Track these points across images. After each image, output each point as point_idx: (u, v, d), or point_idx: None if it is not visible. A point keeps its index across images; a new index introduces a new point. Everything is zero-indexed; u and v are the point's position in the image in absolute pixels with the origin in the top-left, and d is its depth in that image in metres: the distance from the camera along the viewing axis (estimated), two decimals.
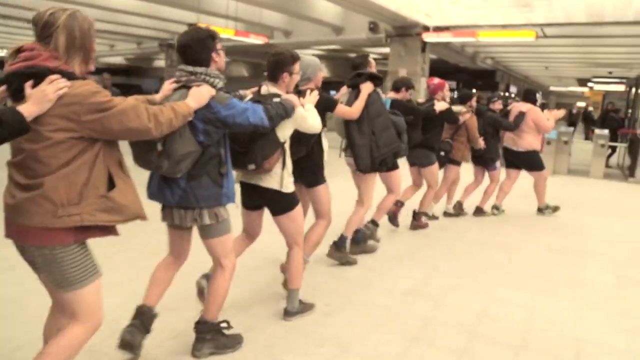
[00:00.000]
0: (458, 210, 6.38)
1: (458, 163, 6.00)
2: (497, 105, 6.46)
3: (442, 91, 5.51)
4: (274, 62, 2.98)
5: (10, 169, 1.88)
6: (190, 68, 2.41)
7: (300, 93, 3.18)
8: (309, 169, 3.51)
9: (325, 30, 15.23)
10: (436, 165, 5.50)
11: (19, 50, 1.84)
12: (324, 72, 3.67)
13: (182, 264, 2.83)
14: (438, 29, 12.61)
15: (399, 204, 5.37)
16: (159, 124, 2.01)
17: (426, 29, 12.69)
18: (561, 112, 6.61)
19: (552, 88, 36.18)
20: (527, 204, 6.85)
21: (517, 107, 6.42)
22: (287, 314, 3.27)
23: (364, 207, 4.41)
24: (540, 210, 6.66)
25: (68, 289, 1.92)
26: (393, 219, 5.39)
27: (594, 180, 6.97)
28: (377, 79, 4.00)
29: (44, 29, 1.83)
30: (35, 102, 1.72)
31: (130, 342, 2.49)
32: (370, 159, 3.96)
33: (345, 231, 4.38)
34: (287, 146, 2.99)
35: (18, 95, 1.79)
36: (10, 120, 1.65)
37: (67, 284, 1.91)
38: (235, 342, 2.86)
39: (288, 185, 3.00)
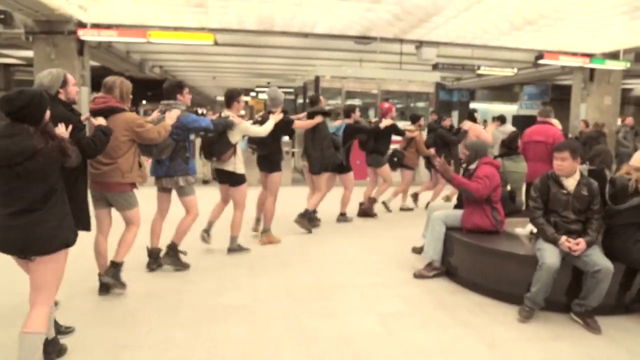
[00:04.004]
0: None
1: (411, 168, 7.57)
2: (447, 123, 7.91)
3: (391, 113, 7.34)
4: (229, 96, 5.10)
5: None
6: (165, 102, 4.47)
7: (270, 113, 5.58)
8: (269, 162, 5.66)
9: None
10: (387, 166, 7.16)
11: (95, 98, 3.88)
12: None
13: (165, 218, 4.65)
14: (97, 26, 10.33)
15: (372, 200, 7.28)
16: (160, 135, 4.00)
17: (82, 25, 10.25)
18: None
19: (218, 98, 37.38)
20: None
21: (464, 125, 7.72)
22: (229, 251, 5.22)
23: (321, 193, 6.28)
24: None
25: (127, 210, 3.91)
26: (369, 211, 7.27)
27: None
28: (326, 114, 6.26)
29: (110, 88, 3.82)
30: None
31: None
32: (319, 166, 6.07)
33: (309, 206, 6.33)
34: (238, 146, 5.02)
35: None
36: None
37: (127, 208, 3.90)
38: (184, 266, 4.66)
39: (239, 169, 5.03)
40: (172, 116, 4.20)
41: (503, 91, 23.27)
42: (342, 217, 6.88)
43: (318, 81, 11.04)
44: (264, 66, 18.68)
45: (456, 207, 5.06)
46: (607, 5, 9.68)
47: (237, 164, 4.97)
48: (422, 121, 7.78)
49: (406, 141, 7.53)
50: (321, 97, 6.48)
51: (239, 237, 5.26)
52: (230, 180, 5.04)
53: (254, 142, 5.54)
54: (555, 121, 5.97)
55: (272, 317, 3.69)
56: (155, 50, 15.30)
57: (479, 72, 14.71)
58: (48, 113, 2.59)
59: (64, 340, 3.06)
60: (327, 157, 6.00)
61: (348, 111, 6.85)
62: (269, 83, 25.19)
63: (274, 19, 10.54)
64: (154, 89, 21.77)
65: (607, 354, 3.30)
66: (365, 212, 7.23)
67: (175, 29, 10.70)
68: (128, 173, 3.78)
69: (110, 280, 3.88)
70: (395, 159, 7.25)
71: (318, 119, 5.99)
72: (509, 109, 18.21)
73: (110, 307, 3.78)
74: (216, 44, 11.86)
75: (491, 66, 14.90)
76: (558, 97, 19.60)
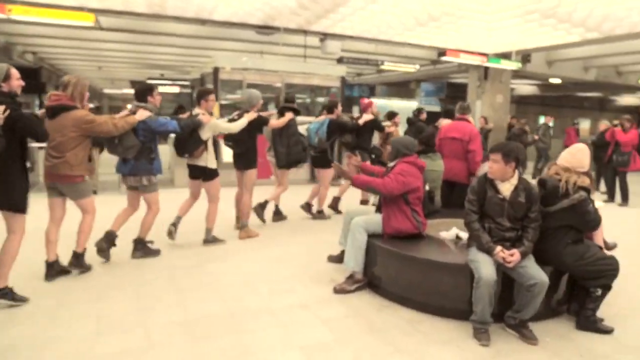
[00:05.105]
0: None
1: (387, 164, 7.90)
2: (423, 116, 8.94)
3: (371, 108, 7.31)
4: (198, 95, 5.34)
5: (48, 149, 4.07)
6: (136, 103, 4.76)
7: (242, 113, 5.73)
8: (245, 160, 5.85)
9: None
10: (367, 163, 6.41)
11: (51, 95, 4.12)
12: (262, 101, 6.00)
13: (135, 212, 4.91)
14: None
15: (337, 199, 7.41)
16: (117, 128, 4.31)
17: None
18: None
19: (105, 90, 34.31)
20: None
21: (439, 122, 7.40)
22: (205, 242, 5.47)
23: (282, 187, 6.67)
24: None
25: (79, 199, 4.24)
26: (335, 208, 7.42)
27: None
28: (297, 111, 6.49)
29: (65, 86, 4.08)
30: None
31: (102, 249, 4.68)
32: (285, 161, 6.34)
33: (272, 200, 6.70)
34: (209, 143, 5.27)
35: (54, 116, 4.04)
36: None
37: (79, 197, 4.23)
38: (156, 253, 4.97)
39: (211, 164, 5.29)
40: (142, 114, 4.60)
41: (401, 87, 23.78)
42: (319, 215, 7.05)
43: (217, 73, 10.16)
44: (157, 56, 17.15)
45: (377, 210, 4.61)
46: (504, 7, 9.88)
47: (209, 159, 5.27)
48: (397, 118, 8.12)
49: (382, 138, 7.58)
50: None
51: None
52: (203, 175, 5.32)
53: (231, 140, 5.82)
54: (472, 118, 5.78)
55: None
56: (26, 33, 13.24)
57: (382, 67, 14.64)
58: None
59: None
60: (294, 153, 6.29)
61: (331, 107, 7.04)
62: (162, 75, 23.46)
63: (167, 1, 9.43)
64: (26, 78, 19.15)
65: None
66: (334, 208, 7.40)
67: (47, 6, 9.15)
68: (77, 166, 4.11)
69: (74, 268, 4.39)
70: (374, 156, 7.30)
71: (289, 115, 6.24)
72: (408, 105, 18.48)
73: None
74: (100, 28, 10.47)
75: (393, 62, 14.91)
76: (453, 94, 20.36)
